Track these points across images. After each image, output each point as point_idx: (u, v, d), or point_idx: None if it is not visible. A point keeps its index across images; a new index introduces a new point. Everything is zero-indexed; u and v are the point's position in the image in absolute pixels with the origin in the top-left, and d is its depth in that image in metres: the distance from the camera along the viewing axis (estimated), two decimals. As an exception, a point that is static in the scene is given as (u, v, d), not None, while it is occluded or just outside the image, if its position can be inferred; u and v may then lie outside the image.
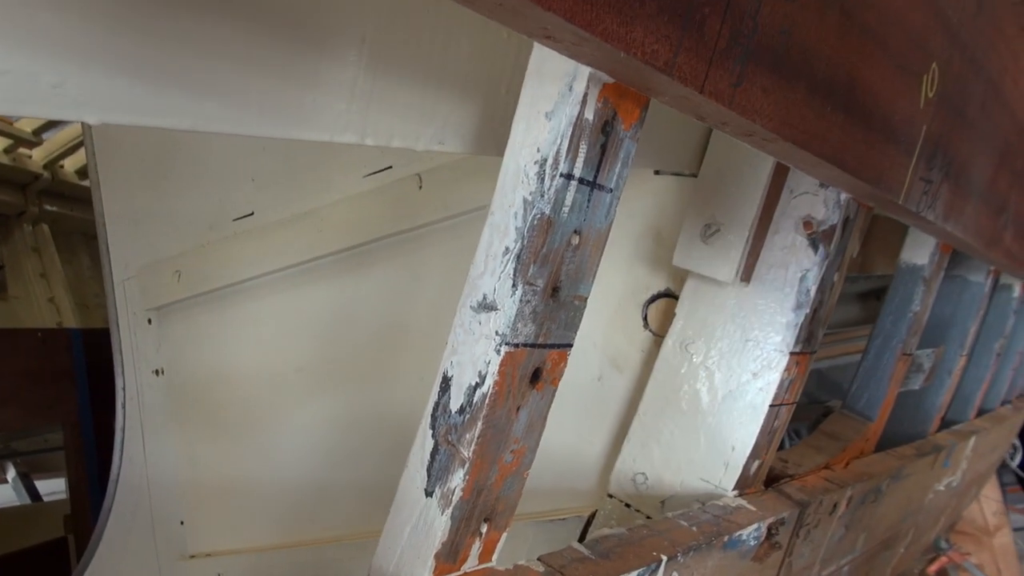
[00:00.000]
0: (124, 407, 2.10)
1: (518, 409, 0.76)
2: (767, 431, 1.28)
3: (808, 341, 1.29)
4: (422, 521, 0.76)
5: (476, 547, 0.80)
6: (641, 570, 0.93)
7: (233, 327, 1.87)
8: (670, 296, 1.38)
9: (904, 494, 2.02)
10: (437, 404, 0.76)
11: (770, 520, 1.24)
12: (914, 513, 2.29)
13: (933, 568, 4.86)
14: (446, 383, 0.76)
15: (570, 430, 1.45)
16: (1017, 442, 8.54)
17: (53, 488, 5.34)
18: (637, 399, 1.38)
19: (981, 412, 3.04)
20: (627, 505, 1.35)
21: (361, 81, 0.79)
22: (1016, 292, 2.80)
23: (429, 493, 0.76)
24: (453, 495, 0.74)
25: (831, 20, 0.83)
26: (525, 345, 0.74)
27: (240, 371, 1.88)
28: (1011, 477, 9.73)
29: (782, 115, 0.80)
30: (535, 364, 0.76)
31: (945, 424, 2.65)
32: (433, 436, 0.76)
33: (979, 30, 1.25)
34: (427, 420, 0.77)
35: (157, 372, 2.08)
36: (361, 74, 0.79)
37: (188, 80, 0.70)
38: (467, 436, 0.74)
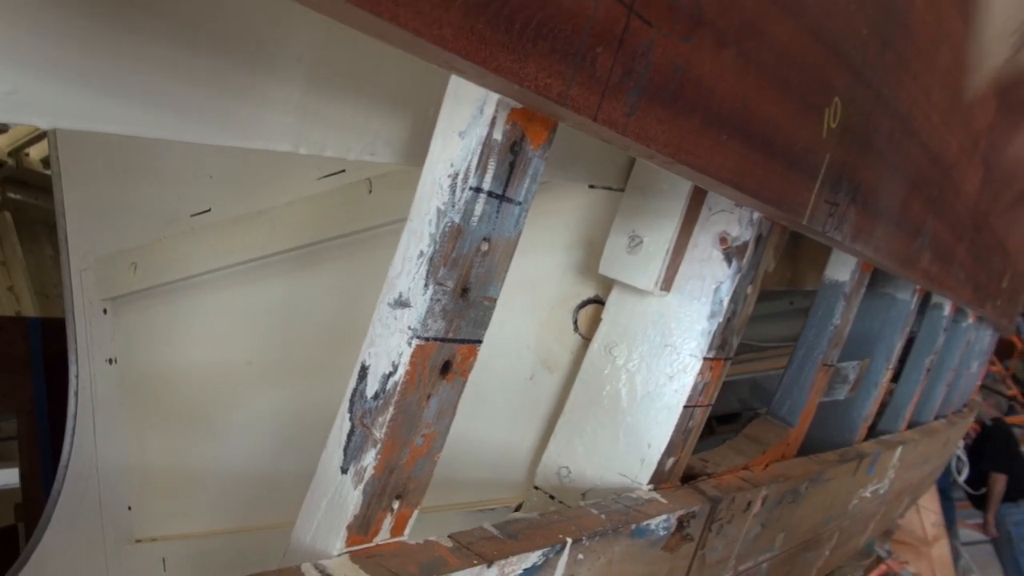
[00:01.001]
0: (77, 395, 2.15)
1: (428, 397, 0.85)
2: (682, 430, 1.38)
3: (722, 348, 1.39)
4: (337, 496, 0.84)
5: (388, 522, 0.88)
6: (546, 549, 1.01)
7: (186, 319, 1.93)
8: (598, 302, 1.47)
9: (825, 497, 2.14)
10: (355, 390, 0.84)
11: (680, 512, 1.34)
12: (837, 517, 2.41)
13: (872, 576, 5.03)
14: (364, 371, 0.84)
15: (503, 425, 1.54)
16: (964, 457, 8.79)
17: (6, 480, 5.28)
18: (566, 398, 1.47)
19: (912, 425, 3.19)
20: (551, 497, 1.44)
21: (296, 96, 0.87)
22: (947, 311, 2.95)
23: (344, 471, 0.83)
24: (365, 472, 0.82)
25: (727, 59, 0.93)
26: (435, 339, 0.82)
27: (191, 362, 1.93)
28: (962, 493, 9.99)
29: (677, 142, 0.89)
30: (445, 357, 0.84)
31: (876, 435, 2.79)
32: (350, 419, 0.84)
33: (885, 68, 1.36)
34: (346, 404, 0.85)
35: (110, 361, 2.13)
36: (297, 90, 0.87)
37: (137, 91, 0.77)
38: (380, 419, 0.82)
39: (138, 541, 2.05)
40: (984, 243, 2.63)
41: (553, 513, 1.13)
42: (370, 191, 1.60)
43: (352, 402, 0.84)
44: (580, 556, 1.09)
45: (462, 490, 1.53)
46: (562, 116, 0.79)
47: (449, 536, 0.96)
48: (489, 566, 0.92)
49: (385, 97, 0.93)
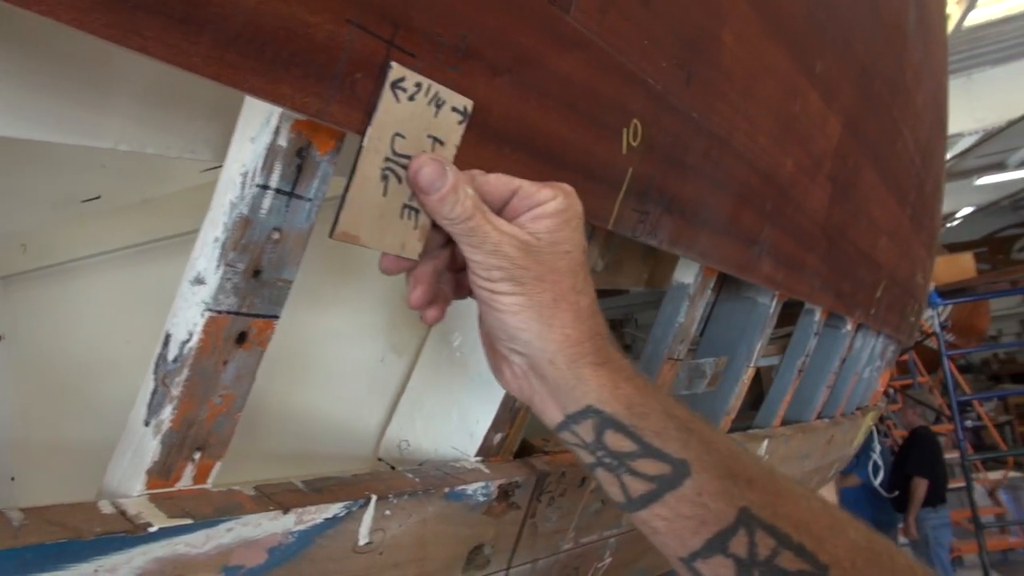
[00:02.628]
0: (-33, 370, 2.22)
1: (225, 363, 0.99)
2: (507, 408, 1.54)
3: (546, 337, 1.56)
4: (140, 445, 0.98)
5: (189, 470, 1.02)
6: (348, 503, 1.16)
7: (72, 299, 2.03)
8: (442, 293, 1.63)
9: (678, 482, 2.33)
10: (159, 355, 0.98)
11: (501, 481, 1.50)
12: (698, 502, 2.61)
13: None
14: (167, 339, 0.98)
15: (354, 403, 1.69)
16: (879, 461, 9.19)
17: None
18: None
19: (789, 423, 3.43)
20: (392, 468, 1.59)
21: (124, 103, 1.01)
22: (817, 316, 3.19)
23: (147, 423, 0.97)
24: (163, 424, 0.96)
25: (502, 85, 1.09)
26: (228, 313, 0.97)
27: (75, 339, 2.03)
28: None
29: (458, 152, 1.05)
30: (240, 328, 0.99)
31: (751, 430, 3.01)
32: (154, 380, 0.98)
33: (693, 96, 1.55)
34: (151, 367, 0.99)
35: (-1, 338, 2.21)
36: (125, 99, 1.00)
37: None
38: (177, 379, 0.96)
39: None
40: (844, 255, 2.87)
41: (366, 475, 1.28)
42: (244, 185, 1.73)
43: (157, 365, 0.98)
44: (387, 512, 1.24)
45: (314, 463, 1.67)
46: (336, 128, 0.94)
47: (254, 486, 1.10)
48: (285, 512, 1.06)
49: (204, 105, 1.07)
